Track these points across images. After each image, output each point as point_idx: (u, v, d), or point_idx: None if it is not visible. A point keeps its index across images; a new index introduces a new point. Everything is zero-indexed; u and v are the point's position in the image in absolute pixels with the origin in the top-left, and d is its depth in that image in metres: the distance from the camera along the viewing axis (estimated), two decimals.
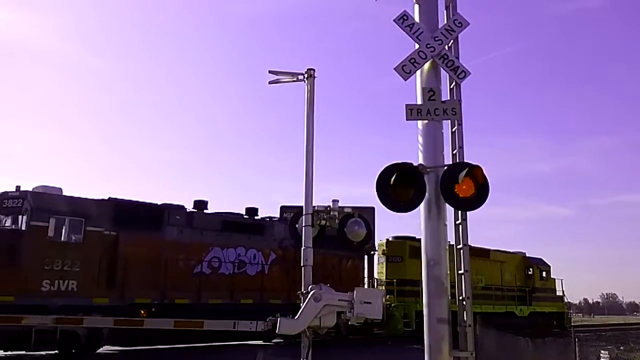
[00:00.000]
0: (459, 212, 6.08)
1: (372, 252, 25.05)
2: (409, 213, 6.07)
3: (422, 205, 6.02)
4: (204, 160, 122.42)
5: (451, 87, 6.46)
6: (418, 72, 6.36)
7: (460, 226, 6.06)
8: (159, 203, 18.88)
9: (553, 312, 30.77)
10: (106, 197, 17.47)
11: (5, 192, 16.00)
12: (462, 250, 6.02)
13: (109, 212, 16.92)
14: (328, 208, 8.21)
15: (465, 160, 6.08)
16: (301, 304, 7.62)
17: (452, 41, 6.47)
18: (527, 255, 30.80)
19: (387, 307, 22.63)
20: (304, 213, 8.03)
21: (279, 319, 7.73)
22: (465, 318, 5.88)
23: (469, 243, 6.06)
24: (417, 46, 6.37)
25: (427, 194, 5.95)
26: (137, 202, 18.12)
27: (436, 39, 6.37)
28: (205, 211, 19.68)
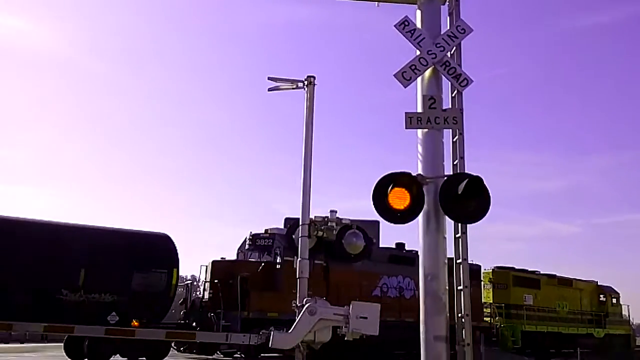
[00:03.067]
0: (459, 225, 5.84)
1: None
2: (407, 225, 5.84)
3: (420, 217, 5.77)
4: (205, 166, 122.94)
5: (452, 95, 6.22)
6: (419, 79, 6.14)
7: (460, 240, 5.81)
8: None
9: (622, 334, 35.66)
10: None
11: (257, 234, 20.90)
12: (461, 265, 5.76)
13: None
14: (326, 219, 7.98)
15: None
16: (296, 317, 7.37)
17: (454, 48, 6.25)
18: (599, 283, 35.68)
19: (497, 327, 27.60)
20: (300, 223, 7.81)
21: (272, 332, 7.48)
22: (464, 336, 5.61)
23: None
24: (418, 52, 6.16)
25: (425, 206, 5.71)
26: None
27: (438, 45, 6.15)
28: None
